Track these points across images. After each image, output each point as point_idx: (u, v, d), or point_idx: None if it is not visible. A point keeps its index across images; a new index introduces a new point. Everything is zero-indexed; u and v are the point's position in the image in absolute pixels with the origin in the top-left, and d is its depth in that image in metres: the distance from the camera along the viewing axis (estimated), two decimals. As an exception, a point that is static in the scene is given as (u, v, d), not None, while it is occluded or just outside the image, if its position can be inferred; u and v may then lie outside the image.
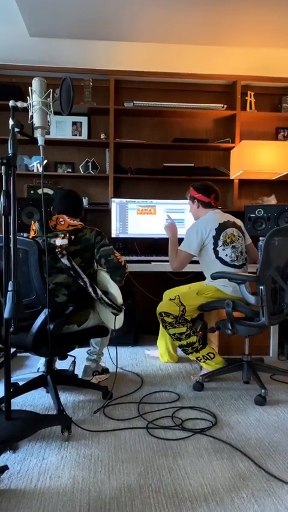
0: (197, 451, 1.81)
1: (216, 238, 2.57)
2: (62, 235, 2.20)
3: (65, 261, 2.17)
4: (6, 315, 1.57)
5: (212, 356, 2.58)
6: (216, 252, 2.58)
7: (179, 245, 2.66)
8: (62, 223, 2.24)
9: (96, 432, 1.97)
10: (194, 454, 1.78)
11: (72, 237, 2.24)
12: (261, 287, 2.24)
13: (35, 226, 2.31)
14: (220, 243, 2.57)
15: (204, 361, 2.58)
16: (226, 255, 2.58)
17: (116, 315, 2.23)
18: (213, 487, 1.56)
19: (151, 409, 2.22)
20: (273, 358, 3.06)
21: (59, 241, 2.17)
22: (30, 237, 2.31)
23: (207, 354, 2.57)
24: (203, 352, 2.57)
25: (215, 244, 2.57)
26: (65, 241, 2.18)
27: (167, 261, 3.19)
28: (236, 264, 2.60)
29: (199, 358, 2.58)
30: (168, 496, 1.51)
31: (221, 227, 2.60)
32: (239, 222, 2.76)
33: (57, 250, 2.17)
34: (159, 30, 3.61)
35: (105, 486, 1.56)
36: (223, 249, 2.58)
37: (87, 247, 2.28)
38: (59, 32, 3.63)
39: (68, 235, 2.21)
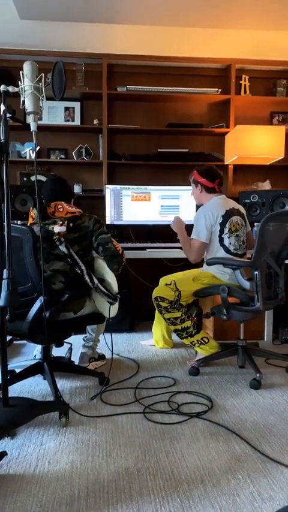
0: (193, 434, 1.84)
1: (222, 225, 2.55)
2: (61, 222, 2.19)
3: (62, 248, 2.16)
4: (1, 303, 1.56)
5: (207, 341, 2.60)
6: (221, 239, 2.56)
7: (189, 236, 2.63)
8: (61, 210, 2.23)
9: (94, 418, 1.99)
10: (190, 438, 1.81)
11: (71, 224, 2.22)
12: (256, 272, 2.25)
13: (33, 213, 2.29)
14: (226, 230, 2.55)
15: (198, 346, 2.60)
16: (230, 243, 2.57)
17: (111, 304, 2.23)
18: (210, 469, 1.59)
19: (148, 394, 2.24)
20: (268, 343, 3.09)
21: (57, 228, 2.16)
22: (29, 223, 2.30)
23: (202, 339, 2.59)
24: (197, 336, 2.58)
25: (221, 232, 2.55)
26: (63, 228, 2.17)
27: (162, 248, 3.20)
28: (238, 253, 2.60)
29: (193, 343, 2.60)
30: (166, 478, 1.53)
31: (228, 214, 2.58)
32: (242, 209, 2.74)
33: (55, 237, 2.17)
34: (152, 13, 3.53)
35: (103, 470, 1.58)
36: (228, 237, 2.56)
37: (86, 235, 2.27)
38: (50, 14, 3.55)
39: (66, 222, 2.20)
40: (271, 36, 3.86)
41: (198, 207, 2.73)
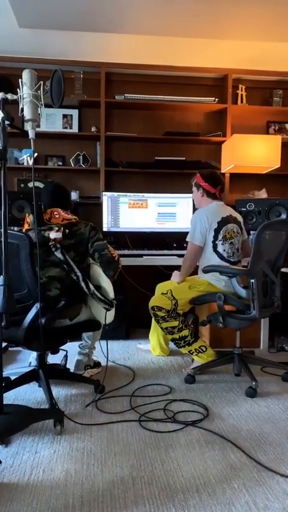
0: (188, 443, 1.83)
1: (217, 232, 2.57)
2: (57, 228, 2.19)
3: (58, 254, 2.17)
4: (-3, 309, 1.56)
5: (204, 349, 2.59)
6: (215, 246, 2.58)
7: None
8: (57, 216, 2.23)
9: (89, 425, 1.98)
10: (185, 446, 1.80)
11: (67, 230, 2.23)
12: (252, 280, 2.26)
13: (29, 219, 2.29)
14: (220, 237, 2.57)
15: (196, 354, 2.60)
16: (224, 250, 2.58)
17: (107, 310, 2.23)
18: (205, 478, 1.58)
19: (143, 402, 2.23)
20: (264, 351, 3.09)
21: (53, 235, 2.16)
22: (24, 229, 2.30)
23: (200, 347, 2.59)
24: (195, 345, 2.58)
25: (215, 238, 2.57)
26: (59, 235, 2.17)
27: (159, 255, 3.21)
28: (231, 260, 2.61)
29: (191, 352, 2.59)
30: (161, 487, 1.52)
31: (223, 221, 2.59)
32: (239, 217, 2.76)
33: (51, 243, 2.17)
34: (150, 23, 3.57)
35: (98, 479, 1.57)
36: (222, 244, 2.58)
37: (82, 242, 2.27)
38: (49, 23, 3.58)
39: (62, 228, 2.21)
40: (268, 46, 3.91)
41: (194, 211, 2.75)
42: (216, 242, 2.57)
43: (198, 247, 2.59)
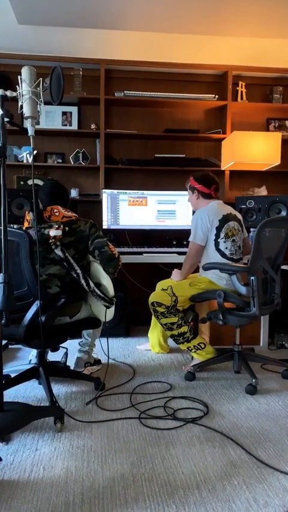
0: (189, 440, 1.83)
1: (218, 230, 2.56)
2: (56, 226, 2.19)
3: (58, 252, 2.16)
4: (-3, 307, 1.56)
5: (203, 346, 2.60)
6: (217, 244, 2.57)
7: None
8: (57, 214, 2.23)
9: (89, 423, 1.98)
10: (186, 443, 1.80)
11: (67, 228, 2.23)
12: (252, 278, 2.26)
13: (29, 216, 2.29)
14: (222, 235, 2.57)
15: (195, 351, 2.60)
16: (226, 248, 2.58)
17: (107, 307, 2.23)
18: (205, 475, 1.58)
19: (143, 399, 2.24)
20: (264, 348, 3.10)
21: (53, 232, 2.16)
22: (24, 227, 2.29)
23: (198, 344, 2.59)
24: (194, 342, 2.58)
25: (217, 236, 2.57)
26: (59, 232, 2.17)
27: (159, 253, 3.21)
28: (234, 257, 2.61)
29: (190, 348, 2.60)
30: (161, 484, 1.52)
31: (225, 219, 2.59)
32: (239, 215, 2.76)
33: (51, 241, 2.17)
34: (150, 19, 3.56)
35: (99, 476, 1.58)
36: (224, 242, 2.57)
37: (82, 239, 2.27)
38: (48, 19, 3.57)
39: (62, 226, 2.21)
40: (268, 43, 3.90)
41: (194, 212, 2.74)
42: (219, 240, 2.57)
43: (199, 247, 2.58)
